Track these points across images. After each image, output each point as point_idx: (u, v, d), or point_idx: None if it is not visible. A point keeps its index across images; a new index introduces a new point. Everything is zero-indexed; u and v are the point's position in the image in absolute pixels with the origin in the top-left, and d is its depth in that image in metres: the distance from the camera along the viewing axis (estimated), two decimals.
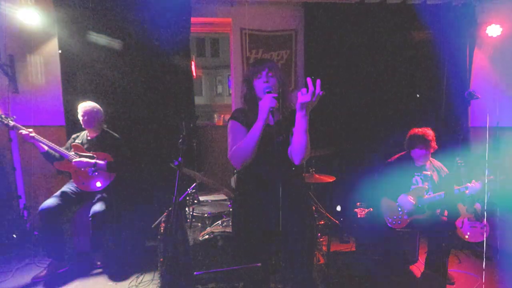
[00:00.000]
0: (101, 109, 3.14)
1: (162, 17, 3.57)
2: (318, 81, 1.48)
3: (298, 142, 1.67)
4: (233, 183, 3.12)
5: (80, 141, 3.10)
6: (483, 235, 3.12)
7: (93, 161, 2.96)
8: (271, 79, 1.75)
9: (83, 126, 3.09)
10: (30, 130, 2.90)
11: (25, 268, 3.02)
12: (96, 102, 3.16)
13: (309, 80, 1.49)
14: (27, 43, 3.58)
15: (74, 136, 3.19)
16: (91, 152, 3.02)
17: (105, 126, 3.20)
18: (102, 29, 3.50)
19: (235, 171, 1.90)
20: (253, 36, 3.95)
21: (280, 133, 1.76)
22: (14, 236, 3.45)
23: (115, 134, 3.19)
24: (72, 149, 3.04)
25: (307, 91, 1.50)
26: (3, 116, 2.89)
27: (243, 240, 1.85)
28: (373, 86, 3.91)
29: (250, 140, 1.66)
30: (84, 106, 3.05)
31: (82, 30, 3.46)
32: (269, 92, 1.66)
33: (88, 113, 3.03)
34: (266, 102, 1.62)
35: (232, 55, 4.05)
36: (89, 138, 3.12)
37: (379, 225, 2.87)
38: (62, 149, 3.00)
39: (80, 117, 3.05)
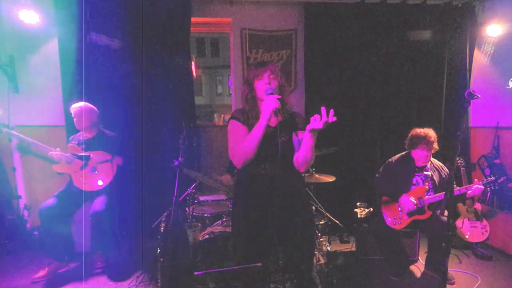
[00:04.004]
0: (94, 109, 3.07)
1: (162, 17, 3.57)
2: (332, 112, 1.53)
3: (305, 156, 1.73)
4: (225, 181, 3.12)
5: (76, 142, 3.09)
6: (483, 235, 3.13)
7: (92, 161, 2.96)
8: (273, 81, 1.78)
9: (76, 128, 3.08)
10: None
11: (25, 268, 3.02)
12: (96, 102, 3.15)
13: (323, 109, 1.54)
14: (27, 43, 3.58)
15: (70, 138, 3.19)
16: (89, 152, 3.02)
17: (101, 126, 3.19)
18: (102, 29, 3.50)
19: (235, 170, 1.90)
20: (253, 36, 3.95)
21: (282, 134, 1.78)
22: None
23: (111, 133, 3.19)
24: (69, 151, 3.03)
25: (321, 118, 1.55)
26: None
27: (243, 240, 1.85)
28: (373, 86, 3.90)
29: (252, 140, 1.68)
30: (74, 107, 2.99)
31: (82, 30, 3.46)
32: (272, 94, 1.69)
33: (78, 114, 2.99)
34: (270, 103, 1.65)
35: (232, 55, 4.05)
36: (85, 138, 3.11)
37: (379, 225, 2.87)
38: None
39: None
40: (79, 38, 3.46)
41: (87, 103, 3.06)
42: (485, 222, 3.15)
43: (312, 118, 1.58)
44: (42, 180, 3.71)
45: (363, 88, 3.91)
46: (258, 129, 1.67)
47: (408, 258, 3.04)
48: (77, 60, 3.49)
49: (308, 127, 1.61)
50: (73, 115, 3.01)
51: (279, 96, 1.70)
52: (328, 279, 2.70)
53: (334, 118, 1.54)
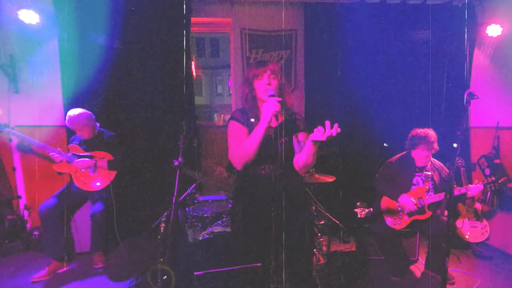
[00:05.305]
0: (89, 113, 3.05)
1: (162, 17, 3.57)
2: (336, 125, 1.53)
3: (306, 161, 1.73)
4: (219, 172, 3.12)
5: (77, 142, 3.09)
6: (483, 235, 3.13)
7: (93, 160, 2.96)
8: (273, 82, 1.77)
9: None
10: None
11: (25, 268, 3.02)
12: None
13: (327, 123, 1.53)
14: (27, 43, 3.58)
15: (71, 138, 3.18)
16: (89, 152, 3.02)
17: (98, 126, 3.18)
18: (102, 29, 3.50)
19: (234, 171, 1.90)
20: (253, 36, 3.95)
21: (282, 135, 1.78)
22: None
23: (110, 132, 3.19)
24: (70, 151, 3.03)
25: (324, 131, 1.54)
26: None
27: (242, 240, 1.85)
28: (373, 86, 3.90)
29: (252, 143, 1.68)
30: (69, 116, 2.97)
31: (82, 30, 3.46)
32: (272, 96, 1.68)
33: (73, 123, 2.97)
34: (270, 106, 1.64)
35: (232, 55, 4.05)
36: (85, 139, 3.11)
37: (379, 225, 2.87)
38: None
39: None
40: (79, 38, 3.46)
41: (80, 109, 3.02)
42: (485, 222, 3.15)
43: (316, 129, 1.57)
44: (42, 180, 3.71)
45: (363, 88, 3.91)
46: (258, 132, 1.66)
47: (408, 258, 3.04)
48: (77, 60, 3.50)
49: (311, 137, 1.60)
50: (70, 126, 2.99)
51: (280, 99, 1.69)
52: (328, 279, 2.70)
53: (339, 130, 1.52)
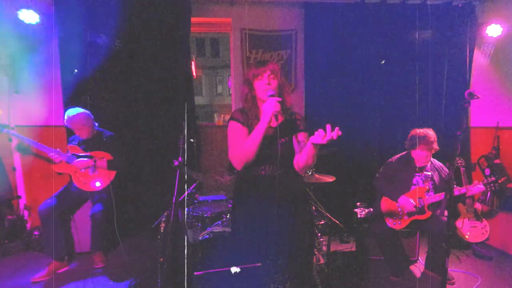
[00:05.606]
0: (87, 112, 3.04)
1: (162, 17, 3.57)
2: (337, 128, 1.52)
3: (306, 162, 1.72)
4: (224, 180, 3.12)
5: (76, 143, 3.09)
6: (483, 235, 3.12)
7: (93, 160, 2.96)
8: (273, 81, 1.77)
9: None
10: None
11: (25, 268, 3.02)
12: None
13: (328, 127, 1.52)
14: (27, 43, 3.58)
15: (70, 138, 3.18)
16: (89, 152, 3.02)
17: (96, 125, 3.17)
18: (102, 29, 3.50)
19: (234, 171, 1.90)
20: (253, 36, 3.95)
21: (282, 135, 1.77)
22: None
23: (109, 132, 3.19)
24: (69, 151, 3.03)
25: (325, 134, 1.52)
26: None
27: (243, 240, 1.85)
28: (373, 86, 3.90)
29: (252, 143, 1.67)
30: (67, 116, 2.96)
31: (82, 30, 3.46)
32: (272, 96, 1.68)
33: (72, 123, 2.97)
34: (270, 106, 1.64)
35: (232, 55, 4.05)
36: (84, 139, 3.10)
37: (379, 225, 2.87)
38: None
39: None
40: (79, 38, 3.46)
41: (79, 109, 3.01)
42: (485, 222, 3.15)
43: (316, 132, 1.56)
44: (42, 180, 3.71)
45: (363, 88, 3.91)
46: (258, 132, 1.66)
47: (408, 258, 3.04)
48: (77, 60, 3.50)
49: (311, 139, 1.59)
50: (69, 126, 2.99)
51: (280, 99, 1.69)
52: (328, 279, 2.70)
53: (340, 133, 1.51)
